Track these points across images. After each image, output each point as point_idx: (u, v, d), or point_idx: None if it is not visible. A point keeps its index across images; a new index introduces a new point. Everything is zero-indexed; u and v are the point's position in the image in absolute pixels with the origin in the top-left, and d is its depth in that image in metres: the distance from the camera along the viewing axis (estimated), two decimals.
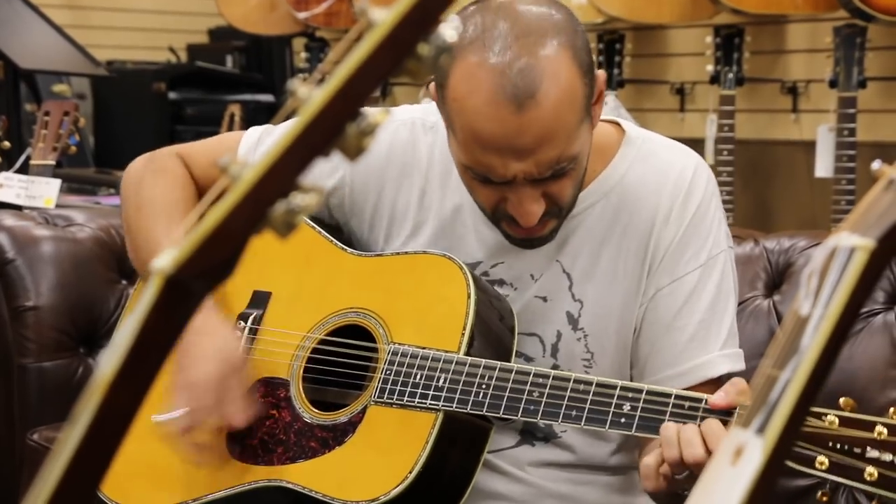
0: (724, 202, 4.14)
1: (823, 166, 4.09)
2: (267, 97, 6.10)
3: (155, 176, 2.05)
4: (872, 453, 1.51)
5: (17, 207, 3.22)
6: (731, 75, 4.21)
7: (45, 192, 3.31)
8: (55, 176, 3.39)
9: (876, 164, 0.91)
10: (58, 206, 3.27)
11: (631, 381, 1.85)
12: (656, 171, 1.86)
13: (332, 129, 0.72)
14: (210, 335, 1.84)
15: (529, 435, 1.91)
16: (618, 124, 1.92)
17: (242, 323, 1.98)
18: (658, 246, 1.84)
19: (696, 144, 4.27)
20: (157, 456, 1.96)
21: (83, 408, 0.74)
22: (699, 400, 1.65)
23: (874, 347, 2.33)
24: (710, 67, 4.30)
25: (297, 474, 1.85)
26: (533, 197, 1.73)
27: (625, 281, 1.85)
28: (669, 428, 1.62)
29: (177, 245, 0.74)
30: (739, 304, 2.49)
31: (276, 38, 5.96)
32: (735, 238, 2.57)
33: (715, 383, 1.79)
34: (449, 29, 0.71)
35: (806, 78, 4.40)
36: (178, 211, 1.99)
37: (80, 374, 2.81)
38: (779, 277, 2.50)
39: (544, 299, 1.88)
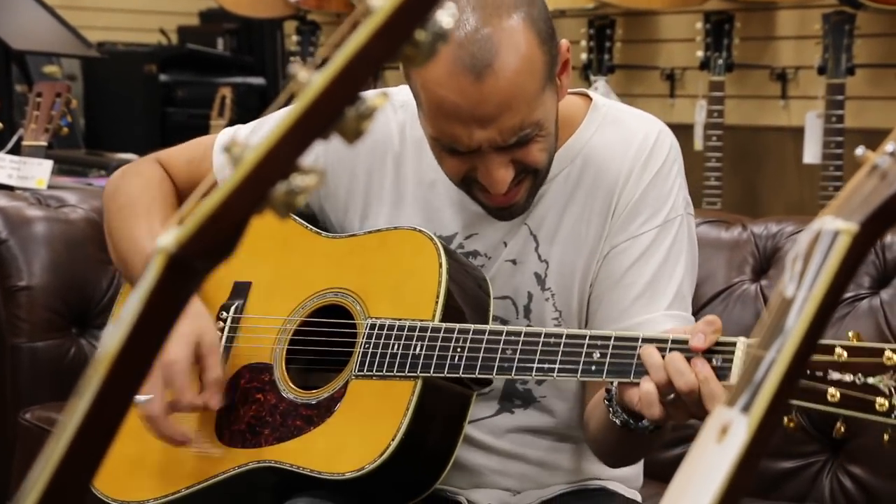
0: (713, 188, 4.19)
1: (811, 152, 4.11)
2: (258, 80, 6.11)
3: (131, 179, 2.10)
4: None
5: (8, 188, 3.24)
6: (720, 61, 4.23)
7: (37, 172, 3.32)
8: (47, 157, 3.40)
9: (859, 151, 0.93)
10: (49, 187, 3.28)
11: None
12: (621, 136, 1.90)
13: (332, 113, 0.74)
14: (185, 318, 1.85)
15: (508, 402, 1.95)
16: (586, 95, 1.97)
17: (225, 314, 2.01)
18: (619, 206, 1.88)
19: (686, 130, 4.30)
20: (147, 448, 1.98)
21: (86, 385, 0.75)
22: (664, 341, 1.67)
23: (860, 331, 2.35)
24: (700, 53, 4.32)
25: (284, 453, 1.88)
26: (501, 164, 1.78)
27: (588, 241, 1.90)
28: (653, 355, 1.64)
29: (180, 224, 0.76)
30: (727, 288, 2.52)
31: (268, 21, 5.96)
32: (723, 223, 2.60)
33: None
34: (445, 15, 0.73)
35: (795, 64, 4.42)
36: (156, 208, 2.04)
37: (73, 354, 2.83)
38: (766, 262, 2.52)
39: (514, 262, 1.92)
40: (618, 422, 1.73)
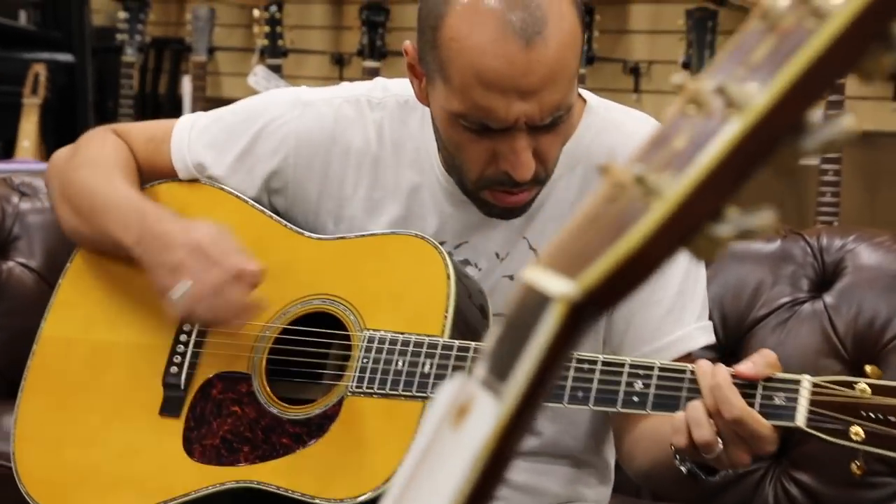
0: None
1: None
2: (66, 57, 5.81)
3: (90, 143, 1.95)
4: None
5: None
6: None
7: None
8: None
9: None
10: None
11: None
12: (621, 141, 1.82)
13: (773, 139, 0.62)
14: (182, 219, 1.82)
15: None
16: (578, 94, 1.88)
17: None
18: None
19: None
20: (104, 462, 1.80)
21: (466, 465, 0.63)
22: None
23: (804, 335, 2.34)
24: None
25: (269, 473, 1.72)
26: (528, 148, 1.68)
27: None
28: (706, 377, 1.56)
29: (566, 266, 0.63)
30: None
31: None
32: None
33: (692, 356, 1.77)
34: None
35: (649, 59, 4.42)
36: (119, 170, 1.90)
37: None
38: None
39: (511, 278, 1.81)
40: (684, 470, 1.62)
